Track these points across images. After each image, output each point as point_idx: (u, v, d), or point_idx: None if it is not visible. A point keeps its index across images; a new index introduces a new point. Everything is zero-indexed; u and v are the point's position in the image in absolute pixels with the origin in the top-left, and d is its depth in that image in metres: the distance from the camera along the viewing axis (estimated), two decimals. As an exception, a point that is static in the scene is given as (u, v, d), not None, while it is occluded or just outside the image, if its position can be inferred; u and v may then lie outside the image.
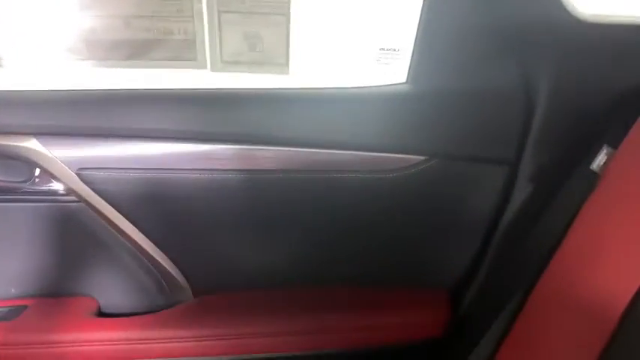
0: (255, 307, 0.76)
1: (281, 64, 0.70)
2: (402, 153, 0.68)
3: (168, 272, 0.72)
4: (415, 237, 0.75)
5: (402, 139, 0.68)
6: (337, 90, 0.71)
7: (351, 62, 0.78)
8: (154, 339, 0.70)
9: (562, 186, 0.60)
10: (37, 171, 0.67)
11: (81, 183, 0.64)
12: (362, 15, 0.75)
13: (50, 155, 0.63)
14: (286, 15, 0.65)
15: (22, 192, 0.68)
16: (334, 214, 0.73)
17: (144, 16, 0.62)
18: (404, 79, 0.71)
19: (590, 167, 0.57)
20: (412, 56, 0.69)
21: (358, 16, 0.75)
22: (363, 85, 0.72)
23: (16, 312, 0.69)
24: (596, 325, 0.48)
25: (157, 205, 0.68)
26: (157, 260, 0.71)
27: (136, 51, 0.65)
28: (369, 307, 0.78)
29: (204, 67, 0.68)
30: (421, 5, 0.65)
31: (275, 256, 0.76)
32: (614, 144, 0.55)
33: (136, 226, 0.68)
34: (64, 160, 0.63)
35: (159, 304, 0.75)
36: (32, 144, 0.63)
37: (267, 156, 0.67)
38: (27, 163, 0.65)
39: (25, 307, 0.71)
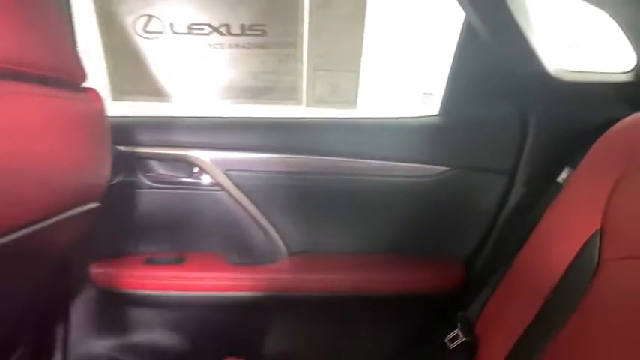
0: (329, 263, 1.04)
1: (351, 102, 1.00)
2: (432, 164, 0.94)
3: (273, 238, 1.02)
4: (440, 223, 1.01)
5: (433, 155, 0.94)
6: (389, 119, 0.98)
7: (401, 100, 1.08)
8: (263, 279, 1.01)
9: (542, 192, 0.82)
10: (195, 169, 0.98)
11: (226, 179, 0.96)
12: (410, 69, 1.05)
13: (207, 160, 0.95)
14: (357, 71, 0.95)
15: (183, 183, 0.99)
16: (384, 205, 0.99)
17: (266, 72, 0.96)
18: (437, 112, 0.98)
19: (557, 180, 0.79)
20: (443, 97, 0.95)
21: (408, 70, 1.05)
22: (408, 116, 0.99)
23: (180, 259, 1.02)
24: (538, 287, 0.67)
25: (269, 192, 0.98)
26: (266, 229, 1.01)
27: (258, 94, 0.99)
28: (406, 267, 1.03)
29: (301, 104, 0.99)
30: (451, 62, 0.94)
31: (343, 230, 1.04)
32: (574, 164, 0.76)
33: (255, 206, 0.99)
34: (216, 163, 0.95)
35: (264, 260, 1.04)
36: (195, 153, 0.95)
37: (339, 165, 0.94)
38: (189, 165, 0.97)
39: (185, 257, 1.03)
